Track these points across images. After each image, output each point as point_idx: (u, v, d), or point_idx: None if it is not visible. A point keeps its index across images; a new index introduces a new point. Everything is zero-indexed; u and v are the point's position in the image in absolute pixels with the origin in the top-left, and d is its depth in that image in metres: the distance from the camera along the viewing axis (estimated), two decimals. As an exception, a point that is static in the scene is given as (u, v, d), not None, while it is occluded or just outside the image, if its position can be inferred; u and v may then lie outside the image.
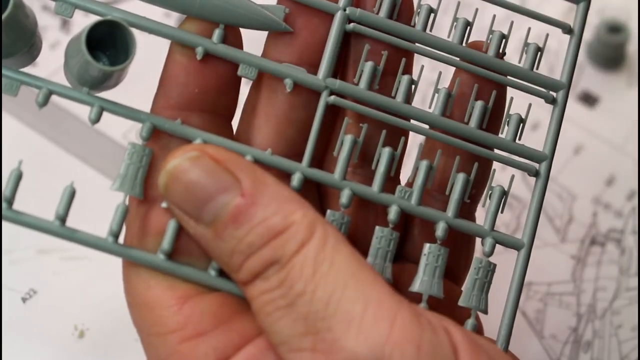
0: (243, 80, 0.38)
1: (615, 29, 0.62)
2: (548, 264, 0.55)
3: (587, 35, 0.62)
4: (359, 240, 0.39)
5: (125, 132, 0.55)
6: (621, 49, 0.62)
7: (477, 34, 0.40)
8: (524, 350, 0.52)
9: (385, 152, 0.38)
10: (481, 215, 0.40)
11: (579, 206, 0.57)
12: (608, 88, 0.61)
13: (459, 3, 0.39)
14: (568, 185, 0.58)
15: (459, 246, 0.40)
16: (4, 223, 0.52)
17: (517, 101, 0.40)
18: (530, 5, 0.63)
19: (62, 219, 0.36)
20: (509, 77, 0.39)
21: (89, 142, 0.55)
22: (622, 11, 0.63)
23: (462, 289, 0.39)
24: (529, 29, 0.40)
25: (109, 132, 0.55)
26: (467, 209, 0.40)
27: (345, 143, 0.38)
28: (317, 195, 0.40)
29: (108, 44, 0.36)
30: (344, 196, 0.37)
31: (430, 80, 0.40)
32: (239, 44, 0.38)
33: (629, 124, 0.60)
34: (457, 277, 0.41)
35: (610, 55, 0.62)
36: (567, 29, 0.40)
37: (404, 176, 0.41)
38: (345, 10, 0.38)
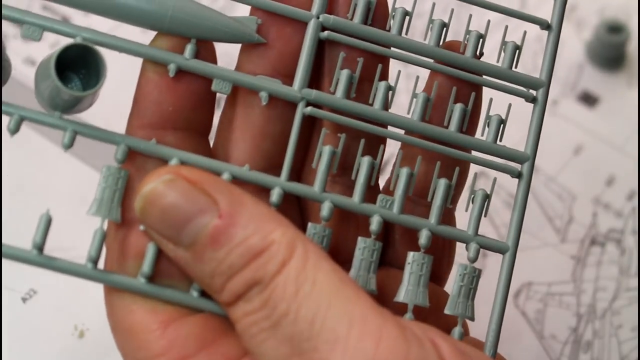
0: (219, 94, 0.37)
1: (615, 29, 0.61)
2: (548, 264, 0.55)
3: (587, 35, 0.62)
4: (342, 251, 0.38)
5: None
6: (621, 49, 0.62)
7: (459, 36, 0.40)
8: (524, 350, 0.52)
9: (365, 161, 0.37)
10: (464, 217, 0.39)
11: (579, 206, 0.57)
12: (608, 88, 0.61)
13: (434, 4, 0.39)
14: (568, 185, 0.58)
15: (440, 247, 0.40)
16: (4, 222, 0.52)
17: (501, 101, 0.39)
18: (530, 5, 0.63)
19: (39, 247, 0.35)
20: (488, 77, 0.39)
21: (89, 142, 0.55)
22: (622, 11, 0.63)
23: (449, 294, 0.39)
24: (506, 27, 0.39)
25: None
26: (447, 211, 0.40)
27: (323, 154, 0.37)
28: (298, 207, 0.40)
29: (80, 64, 0.35)
30: (325, 209, 0.37)
31: (409, 81, 0.39)
32: (212, 58, 0.38)
33: (629, 124, 0.60)
34: (440, 278, 0.41)
35: (610, 55, 0.61)
36: (545, 25, 0.39)
37: (386, 174, 0.40)
38: (318, 17, 0.38)
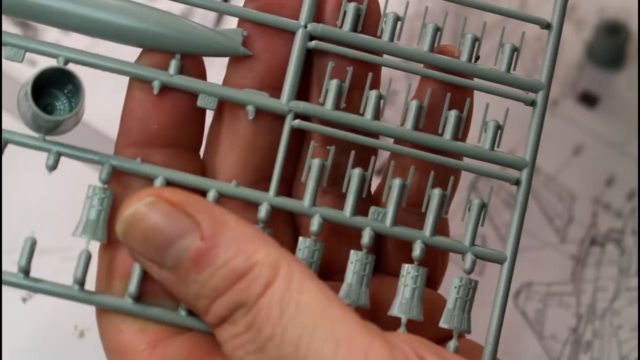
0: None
1: (615, 29, 0.61)
2: (548, 264, 0.55)
3: (587, 35, 0.62)
4: (334, 263, 0.38)
5: (125, 132, 0.55)
6: (621, 49, 0.62)
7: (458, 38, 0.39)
8: (523, 350, 0.52)
9: (355, 174, 0.37)
10: (459, 224, 0.39)
11: (579, 206, 0.57)
12: (608, 88, 0.61)
13: (427, 8, 0.38)
14: (568, 185, 0.58)
15: (434, 250, 0.39)
16: (4, 222, 0.52)
17: (500, 105, 0.38)
18: (530, 5, 0.63)
19: (25, 270, 0.36)
20: (485, 80, 0.38)
21: (89, 142, 0.55)
22: (622, 11, 0.63)
23: (443, 297, 0.38)
24: (504, 28, 0.38)
25: (108, 132, 0.55)
26: (440, 220, 0.38)
27: (312, 168, 0.37)
28: (290, 220, 0.40)
29: (65, 81, 0.35)
30: (314, 224, 0.36)
31: (408, 78, 0.39)
32: (200, 72, 0.37)
33: (629, 124, 0.60)
34: (434, 281, 0.41)
35: (610, 55, 0.61)
36: (545, 25, 0.38)
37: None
38: (306, 27, 0.37)
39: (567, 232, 0.56)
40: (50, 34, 0.56)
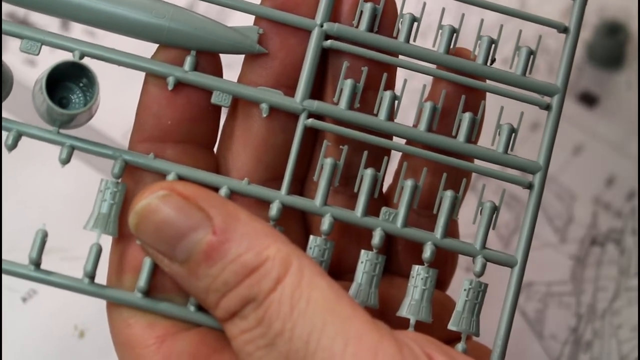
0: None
1: (615, 29, 0.62)
2: (548, 264, 0.55)
3: (587, 35, 0.62)
4: (345, 262, 0.38)
5: (125, 133, 0.55)
6: (621, 49, 0.62)
7: (463, 39, 0.39)
8: (523, 351, 0.52)
9: (368, 174, 0.37)
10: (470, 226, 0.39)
11: (579, 206, 0.57)
12: (608, 88, 0.61)
13: (443, 9, 0.38)
14: (568, 185, 0.58)
15: (443, 251, 0.38)
16: (4, 223, 0.51)
17: (514, 108, 0.38)
18: (530, 5, 0.63)
19: (36, 262, 0.36)
20: (500, 84, 0.38)
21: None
22: (622, 11, 0.63)
23: (452, 298, 0.38)
24: (520, 31, 0.38)
25: (109, 132, 0.55)
26: (451, 222, 0.38)
27: (325, 167, 0.37)
28: (302, 219, 0.40)
29: (80, 74, 0.35)
30: (325, 223, 0.36)
31: (416, 88, 0.38)
32: (216, 69, 0.37)
33: (629, 124, 0.60)
34: (443, 282, 0.41)
35: (610, 55, 0.62)
36: (562, 28, 0.38)
37: (390, 173, 0.40)
38: (322, 26, 0.37)
39: (567, 232, 0.56)
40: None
